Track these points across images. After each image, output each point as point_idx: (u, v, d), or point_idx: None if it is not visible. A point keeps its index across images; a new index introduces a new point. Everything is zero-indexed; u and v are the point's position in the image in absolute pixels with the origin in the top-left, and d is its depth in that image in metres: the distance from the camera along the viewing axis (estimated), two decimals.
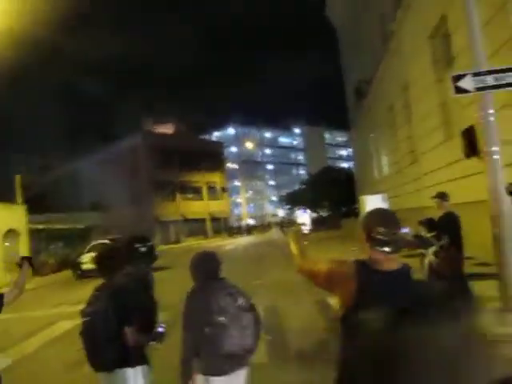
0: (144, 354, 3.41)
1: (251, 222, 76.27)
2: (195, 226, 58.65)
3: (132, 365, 3.25)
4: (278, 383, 5.06)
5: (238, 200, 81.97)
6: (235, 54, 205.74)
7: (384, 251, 2.09)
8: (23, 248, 25.07)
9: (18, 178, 26.50)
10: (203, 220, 60.00)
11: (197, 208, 58.86)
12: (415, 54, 15.30)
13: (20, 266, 3.63)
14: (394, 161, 20.82)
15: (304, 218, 32.08)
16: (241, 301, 3.05)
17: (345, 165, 78.98)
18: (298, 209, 42.40)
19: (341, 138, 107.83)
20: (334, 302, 8.02)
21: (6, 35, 20.09)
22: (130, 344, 3.18)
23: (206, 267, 3.23)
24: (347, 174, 50.51)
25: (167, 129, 60.39)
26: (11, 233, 24.10)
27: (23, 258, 3.68)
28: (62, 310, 12.48)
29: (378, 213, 2.21)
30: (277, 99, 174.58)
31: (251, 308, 3.12)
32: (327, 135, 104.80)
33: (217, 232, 59.48)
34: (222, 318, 2.91)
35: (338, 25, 36.77)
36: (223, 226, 61.77)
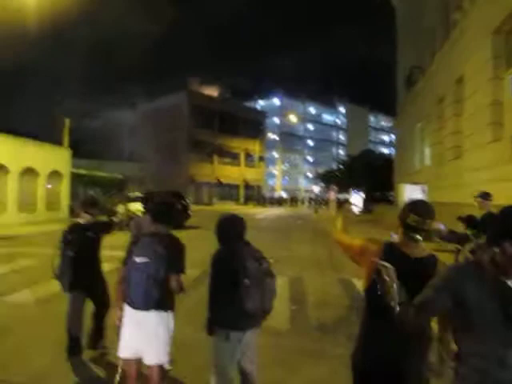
0: (174, 301, 3.69)
1: (283, 194, 76.46)
2: (228, 191, 59.34)
3: (167, 309, 3.54)
4: (298, 350, 5.31)
5: (274, 171, 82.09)
6: (290, 25, 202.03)
7: (414, 237, 2.34)
8: (64, 190, 26.02)
9: (67, 121, 27.21)
10: (237, 186, 60.57)
11: (232, 173, 59.39)
12: (475, 48, 14.90)
13: None
14: (436, 153, 20.52)
15: (357, 198, 32.33)
16: (265, 266, 3.26)
17: (385, 150, 77.69)
18: (352, 189, 41.99)
19: (385, 122, 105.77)
20: (358, 282, 8.25)
21: None
22: (173, 290, 3.49)
23: (233, 229, 3.44)
24: (386, 159, 49.81)
25: (212, 91, 60.55)
26: (55, 174, 24.98)
27: None
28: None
29: (415, 202, 2.45)
30: (326, 75, 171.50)
31: (272, 274, 3.33)
32: (372, 118, 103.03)
33: (248, 199, 59.98)
34: (246, 280, 3.11)
35: (397, 4, 35.74)
36: (255, 195, 62.18)
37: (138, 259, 3.44)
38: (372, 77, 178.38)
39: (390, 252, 2.34)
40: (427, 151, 23.49)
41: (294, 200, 67.08)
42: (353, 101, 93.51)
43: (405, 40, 32.44)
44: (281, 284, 8.89)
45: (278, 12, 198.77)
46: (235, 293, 3.11)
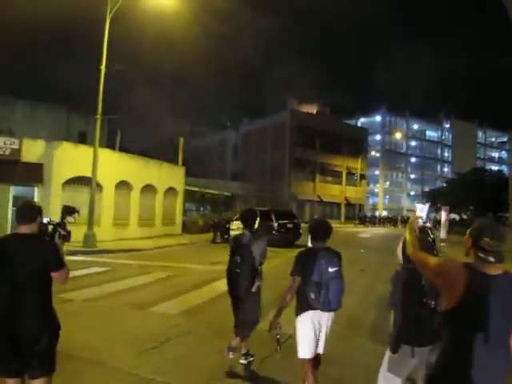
0: None
1: (385, 213, 74.46)
2: (329, 209, 59.09)
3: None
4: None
5: (375, 189, 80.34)
6: (394, 40, 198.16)
7: (487, 260, 2.35)
8: (178, 206, 27.49)
9: (181, 140, 28.88)
10: (338, 204, 60.15)
11: (333, 191, 59.15)
12: None
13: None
14: None
15: (423, 211, 31.33)
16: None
17: (494, 167, 73.01)
18: (417, 202, 40.08)
19: (494, 138, 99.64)
20: None
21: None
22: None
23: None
24: (500, 178, 46.99)
25: (311, 109, 60.92)
26: (170, 191, 26.49)
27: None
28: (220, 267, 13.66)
29: (487, 224, 2.45)
30: (430, 89, 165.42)
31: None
32: (480, 133, 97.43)
33: (349, 218, 59.20)
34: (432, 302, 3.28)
35: None
36: (356, 213, 61.28)
37: (330, 269, 4.04)
38: (482, 89, 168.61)
39: (473, 273, 2.33)
40: None
41: (397, 220, 64.62)
42: (459, 115, 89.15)
43: None
44: None
45: (377, 25, 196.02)
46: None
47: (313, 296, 3.96)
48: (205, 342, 5.36)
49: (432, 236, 3.91)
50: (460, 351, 2.31)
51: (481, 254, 2.34)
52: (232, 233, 22.68)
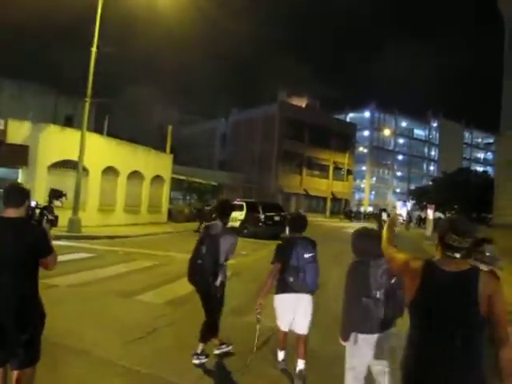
0: None
1: (370, 209, 74.85)
2: (315, 203, 59.23)
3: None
4: None
5: (361, 185, 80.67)
6: (385, 38, 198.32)
7: (452, 256, 2.37)
8: (165, 194, 27.26)
9: (169, 128, 28.53)
10: (324, 198, 60.24)
11: (320, 185, 59.20)
12: None
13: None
14: None
15: (402, 209, 32.11)
16: (393, 279, 3.47)
17: (479, 168, 73.65)
18: (398, 200, 40.35)
19: (481, 139, 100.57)
20: None
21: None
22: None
23: (367, 244, 3.72)
24: (485, 179, 47.39)
25: (300, 102, 60.72)
26: (157, 179, 26.23)
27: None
28: None
29: (453, 220, 2.48)
30: (419, 88, 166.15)
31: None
32: (466, 134, 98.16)
33: (335, 213, 59.37)
34: (377, 292, 3.46)
35: (509, 19, 34.03)
36: (342, 208, 61.47)
37: (306, 255, 4.61)
38: (470, 90, 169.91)
39: (429, 269, 2.41)
40: None
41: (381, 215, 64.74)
42: (447, 115, 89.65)
43: None
44: None
45: (371, 23, 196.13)
46: (368, 304, 3.49)
47: (292, 279, 4.54)
48: (190, 333, 5.25)
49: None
50: (417, 339, 2.43)
51: (447, 252, 2.38)
52: None
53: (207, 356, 5.01)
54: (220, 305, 5.09)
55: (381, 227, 3.73)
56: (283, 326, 4.74)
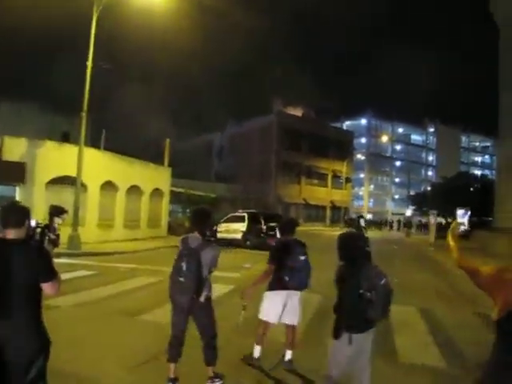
0: None
1: (369, 216, 74.67)
2: (315, 212, 59.07)
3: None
4: None
5: (360, 193, 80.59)
6: (382, 45, 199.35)
7: None
8: (164, 208, 27.01)
9: (167, 142, 28.46)
10: (324, 207, 60.15)
11: (319, 194, 59.10)
12: None
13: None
14: None
15: (463, 218, 32.04)
16: (384, 280, 3.61)
17: (478, 172, 73.70)
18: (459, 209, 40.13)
19: (478, 142, 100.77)
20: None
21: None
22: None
23: (357, 247, 3.87)
24: (484, 182, 47.31)
25: (296, 111, 60.79)
26: (156, 192, 26.00)
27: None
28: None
29: None
30: (415, 93, 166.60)
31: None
32: (463, 138, 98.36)
33: (334, 221, 59.21)
34: (369, 294, 3.52)
35: (503, 23, 34.07)
36: (342, 216, 61.28)
37: (301, 257, 5.12)
38: (466, 94, 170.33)
39: None
40: None
41: (382, 223, 64.44)
42: (444, 120, 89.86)
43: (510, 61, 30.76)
44: (413, 315, 8.52)
45: (369, 30, 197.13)
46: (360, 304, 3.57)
47: (287, 278, 4.96)
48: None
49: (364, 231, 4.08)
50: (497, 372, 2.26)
51: None
52: (219, 235, 22.40)
53: (222, 377, 4.65)
54: (211, 320, 4.66)
55: (360, 231, 3.95)
56: (272, 317, 5.12)
